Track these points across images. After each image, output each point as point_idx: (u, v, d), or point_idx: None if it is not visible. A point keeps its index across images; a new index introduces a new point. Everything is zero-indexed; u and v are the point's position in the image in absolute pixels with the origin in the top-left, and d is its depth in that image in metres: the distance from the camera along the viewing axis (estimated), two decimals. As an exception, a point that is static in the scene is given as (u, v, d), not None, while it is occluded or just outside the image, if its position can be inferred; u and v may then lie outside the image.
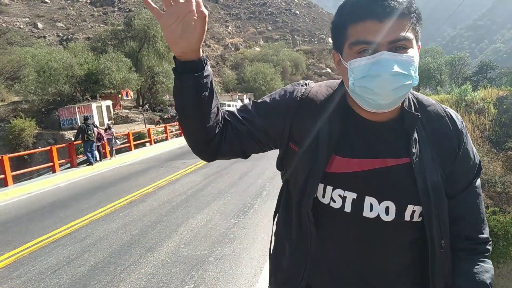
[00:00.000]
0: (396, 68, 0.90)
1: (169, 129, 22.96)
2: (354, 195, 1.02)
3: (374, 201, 1.01)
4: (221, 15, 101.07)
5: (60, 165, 13.91)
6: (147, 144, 20.38)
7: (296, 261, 1.11)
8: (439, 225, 1.03)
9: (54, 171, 13.08)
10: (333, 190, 1.03)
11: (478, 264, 1.07)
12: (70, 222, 6.55)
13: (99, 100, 31.92)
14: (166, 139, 22.00)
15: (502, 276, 13.11)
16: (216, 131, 1.06)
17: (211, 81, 1.00)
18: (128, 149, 18.31)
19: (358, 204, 1.02)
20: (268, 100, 1.13)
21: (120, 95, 34.90)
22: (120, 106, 36.21)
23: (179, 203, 7.16)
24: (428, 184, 1.00)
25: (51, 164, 13.22)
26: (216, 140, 1.07)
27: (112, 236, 5.58)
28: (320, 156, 1.02)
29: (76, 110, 27.98)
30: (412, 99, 1.08)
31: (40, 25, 68.23)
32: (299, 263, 1.10)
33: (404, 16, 0.92)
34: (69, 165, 14.65)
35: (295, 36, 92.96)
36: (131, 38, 36.62)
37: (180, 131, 24.41)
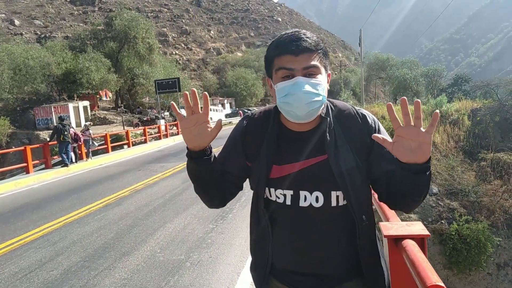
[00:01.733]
0: (307, 88, 1.24)
1: (148, 132, 22.67)
2: (291, 192, 1.35)
3: (306, 193, 1.33)
4: (203, 19, 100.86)
5: (34, 165, 13.54)
6: (125, 146, 20.09)
7: (261, 248, 1.45)
8: (358, 204, 1.32)
9: (27, 172, 12.72)
10: (275, 190, 1.37)
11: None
12: (43, 225, 6.38)
13: (76, 100, 31.31)
14: (145, 141, 21.72)
15: (474, 283, 13.44)
16: (223, 189, 1.43)
17: (214, 156, 1.34)
18: (105, 151, 17.99)
19: (295, 198, 1.34)
20: (228, 140, 1.49)
21: (98, 96, 34.34)
22: (98, 107, 35.61)
23: (156, 207, 7.08)
24: (343, 170, 1.29)
25: (25, 164, 12.85)
26: (225, 196, 1.46)
27: (86, 240, 5.46)
28: (263, 168, 1.36)
29: (52, 110, 27.37)
30: (330, 107, 1.40)
31: (17, 22, 66.58)
32: (263, 249, 1.44)
33: (312, 52, 1.27)
34: (43, 166, 14.28)
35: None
36: (111, 39, 36.08)
37: (159, 134, 24.19)
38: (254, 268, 1.52)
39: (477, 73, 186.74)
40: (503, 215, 13.88)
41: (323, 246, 1.35)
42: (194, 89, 1.28)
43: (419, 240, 1.65)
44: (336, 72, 64.52)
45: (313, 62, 1.27)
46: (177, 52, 79.25)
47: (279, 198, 1.37)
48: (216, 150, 1.35)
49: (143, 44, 35.49)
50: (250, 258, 1.57)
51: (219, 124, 1.26)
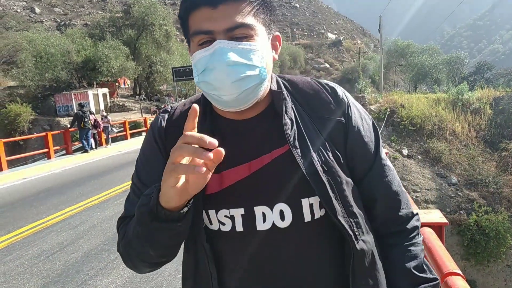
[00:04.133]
0: (233, 57, 0.80)
1: (166, 119, 22.87)
2: (242, 210, 0.88)
3: (265, 209, 0.87)
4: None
5: (55, 151, 13.88)
6: (143, 133, 20.35)
7: None
8: (345, 210, 0.88)
9: (49, 158, 13.05)
10: (216, 212, 0.89)
11: (408, 250, 0.95)
12: (64, 209, 6.55)
13: (96, 87, 31.74)
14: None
15: (492, 275, 13.29)
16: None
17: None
18: (124, 137, 18.27)
19: (248, 219, 0.88)
20: (141, 156, 1.02)
21: (117, 84, 34.72)
22: (117, 94, 36.05)
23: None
24: (317, 166, 0.86)
25: (46, 150, 13.18)
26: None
27: (105, 224, 5.60)
28: None
29: (73, 97, 27.80)
30: (282, 83, 0.97)
31: (37, 10, 67.50)
32: None
33: (240, 1, 0.82)
34: (64, 151, 14.61)
35: (294, 30, 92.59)
36: (129, 26, 36.27)
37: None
38: None
39: (501, 61, 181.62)
40: (524, 206, 13.64)
41: (300, 284, 0.89)
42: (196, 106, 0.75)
43: (437, 228, 1.60)
44: (354, 60, 63.51)
45: (242, 18, 0.82)
46: (194, 39, 79.25)
47: (223, 224, 0.89)
48: None
49: (160, 31, 35.56)
50: None
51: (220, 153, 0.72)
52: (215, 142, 0.70)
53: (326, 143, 0.91)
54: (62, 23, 63.55)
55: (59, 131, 16.06)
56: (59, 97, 28.42)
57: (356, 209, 0.91)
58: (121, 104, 33.11)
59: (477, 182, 15.62)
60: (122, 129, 19.06)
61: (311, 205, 0.88)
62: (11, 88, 30.68)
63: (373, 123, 1.00)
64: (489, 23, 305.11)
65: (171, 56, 36.96)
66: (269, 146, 0.89)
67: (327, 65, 69.99)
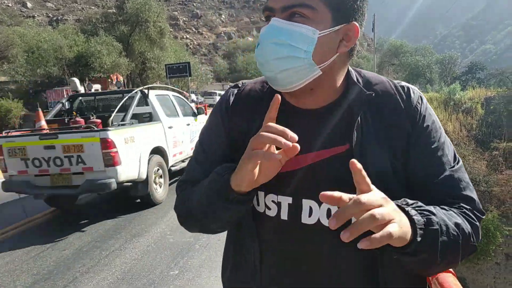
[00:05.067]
0: (277, 36, 0.81)
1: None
2: (290, 200, 0.89)
3: (313, 203, 0.87)
4: (214, 2, 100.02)
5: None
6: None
7: (243, 280, 0.98)
8: None
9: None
10: (265, 195, 0.91)
11: (446, 210, 0.83)
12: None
13: (88, 83, 31.53)
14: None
15: (482, 272, 13.44)
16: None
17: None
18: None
19: (295, 210, 0.88)
20: (208, 123, 1.05)
21: (109, 80, 34.51)
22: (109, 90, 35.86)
23: (168, 190, 7.16)
24: (371, 172, 0.79)
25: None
26: None
27: (98, 220, 5.57)
28: None
29: (65, 93, 27.55)
30: (357, 77, 0.94)
31: (29, 4, 66.76)
32: (245, 281, 0.97)
33: None
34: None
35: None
36: (122, 22, 36.03)
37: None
38: None
39: (492, 61, 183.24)
40: (514, 205, 13.79)
41: (336, 282, 0.89)
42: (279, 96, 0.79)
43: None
44: (348, 58, 63.53)
45: None
46: (187, 36, 78.98)
47: (269, 209, 0.91)
48: None
49: (154, 28, 35.38)
50: None
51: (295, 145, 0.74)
52: (295, 136, 0.73)
53: (388, 151, 0.86)
54: (54, 18, 62.95)
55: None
56: (51, 93, 28.16)
57: None
58: (113, 100, 32.91)
59: (468, 181, 15.79)
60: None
61: None
62: (2, 83, 30.38)
63: (446, 138, 0.94)
64: (482, 23, 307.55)
65: (164, 52, 36.83)
66: (330, 142, 0.88)
67: (321, 64, 70.01)
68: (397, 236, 0.67)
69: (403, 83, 0.95)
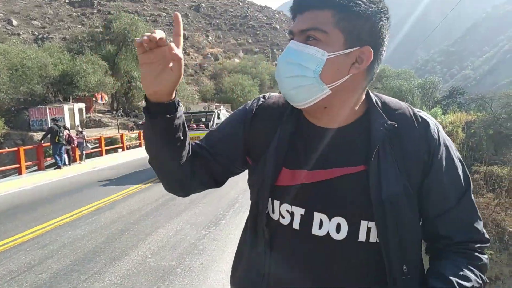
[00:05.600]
0: (291, 57, 0.90)
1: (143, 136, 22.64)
2: (302, 211, 0.95)
3: (323, 217, 0.93)
4: (202, 24, 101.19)
5: (27, 167, 13.47)
6: (120, 150, 20.02)
7: (252, 283, 1.04)
8: (400, 247, 0.90)
9: (20, 173, 12.65)
10: (280, 204, 0.98)
11: (461, 268, 0.91)
12: (33, 227, 6.32)
13: (72, 102, 31.21)
14: (140, 145, 21.66)
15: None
16: (189, 168, 1.03)
17: (183, 121, 0.98)
18: (99, 154, 17.93)
19: (306, 221, 0.95)
20: (229, 117, 1.13)
21: (94, 98, 34.27)
22: (93, 109, 35.52)
23: (149, 211, 7.03)
24: (384, 195, 0.88)
25: (18, 165, 12.78)
26: (189, 177, 1.04)
27: (76, 243, 5.42)
28: (269, 168, 0.97)
29: (47, 111, 27.26)
30: (376, 101, 0.99)
31: (14, 22, 66.45)
32: (253, 282, 1.03)
33: (318, 8, 0.88)
34: (36, 167, 14.20)
35: (275, 50, 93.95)
36: (109, 41, 36.14)
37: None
38: None
39: (472, 86, 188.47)
40: (495, 228, 13.94)
41: None
42: (178, 13, 0.89)
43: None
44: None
45: (315, 23, 0.88)
46: (174, 56, 79.28)
47: (283, 217, 0.97)
48: None
49: (141, 47, 35.51)
50: None
51: (176, 54, 0.86)
52: (155, 35, 0.83)
53: (402, 177, 0.91)
54: (40, 36, 62.69)
55: (32, 146, 15.64)
56: (33, 111, 27.81)
57: (412, 247, 0.94)
58: (97, 119, 32.62)
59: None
60: (98, 145, 18.71)
61: (368, 229, 0.92)
62: (-17, 100, 29.81)
63: (463, 166, 1.00)
64: (461, 49, 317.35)
65: (150, 72, 36.91)
66: (346, 161, 0.93)
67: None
68: None
69: (422, 113, 0.99)
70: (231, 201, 7.58)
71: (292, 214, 0.96)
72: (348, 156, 0.94)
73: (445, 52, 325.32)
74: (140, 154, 18.51)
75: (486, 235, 0.97)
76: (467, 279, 0.89)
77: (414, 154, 0.93)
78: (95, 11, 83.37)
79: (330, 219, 0.92)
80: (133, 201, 7.91)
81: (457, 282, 0.87)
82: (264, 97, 1.11)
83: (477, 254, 0.94)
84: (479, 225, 0.97)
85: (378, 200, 0.89)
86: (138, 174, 11.86)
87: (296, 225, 0.96)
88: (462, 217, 0.96)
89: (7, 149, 17.54)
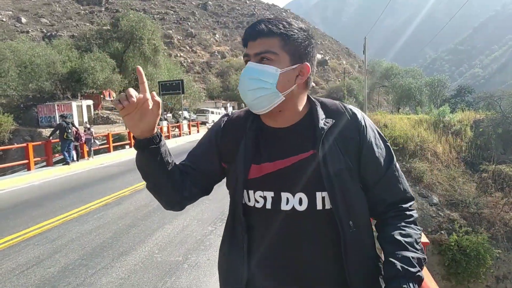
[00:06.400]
0: (251, 73, 1.15)
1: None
2: (272, 194, 1.19)
3: (289, 195, 1.18)
4: (209, 22, 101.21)
5: (36, 163, 13.58)
6: (127, 146, 20.11)
7: (234, 263, 1.27)
8: (346, 208, 1.16)
9: (29, 169, 12.74)
10: (254, 192, 1.22)
11: (402, 229, 1.19)
12: (42, 222, 6.39)
13: (80, 99, 31.40)
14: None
15: (471, 295, 13.34)
16: (181, 186, 1.27)
17: (167, 148, 1.24)
18: (107, 150, 18.02)
19: (276, 201, 1.19)
20: (204, 136, 1.39)
21: (102, 96, 34.43)
22: (101, 106, 35.71)
23: (156, 207, 7.07)
24: (331, 170, 1.15)
25: (27, 161, 12.88)
26: (182, 192, 1.28)
27: (84, 238, 5.47)
28: (240, 167, 1.23)
29: (56, 108, 27.42)
30: (316, 102, 1.27)
31: (23, 20, 66.92)
32: (236, 265, 1.26)
33: (268, 36, 1.15)
34: (44, 163, 14.31)
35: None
36: (117, 39, 36.19)
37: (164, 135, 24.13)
38: (222, 285, 1.36)
39: (481, 85, 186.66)
40: (503, 227, 13.81)
41: (308, 258, 1.18)
42: (139, 66, 1.17)
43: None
44: (339, 79, 64.44)
45: (268, 47, 1.14)
46: (181, 54, 79.49)
47: (258, 202, 1.21)
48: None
49: (148, 45, 35.57)
50: None
51: (156, 100, 1.13)
52: (133, 97, 1.09)
53: (342, 155, 1.18)
54: (49, 33, 63.04)
55: (40, 142, 15.73)
56: (42, 108, 28.00)
57: (357, 208, 1.20)
58: (105, 116, 32.76)
59: (458, 202, 15.81)
60: (105, 141, 18.81)
61: (323, 198, 1.17)
62: (-8, 97, 30.08)
63: (385, 143, 1.28)
64: (470, 48, 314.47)
65: (158, 70, 36.93)
66: (298, 150, 1.20)
67: (313, 84, 70.59)
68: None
69: (351, 106, 1.28)
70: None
71: (265, 198, 1.20)
72: (300, 145, 1.20)
73: (453, 50, 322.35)
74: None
75: (410, 193, 1.28)
76: (409, 236, 1.17)
77: (349, 137, 1.21)
78: (103, 9, 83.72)
79: (294, 196, 1.18)
80: (140, 197, 7.96)
81: (404, 241, 1.16)
82: (227, 115, 1.37)
83: (407, 212, 1.24)
84: (403, 186, 1.26)
85: (327, 174, 1.15)
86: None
87: (268, 205, 1.20)
88: (391, 181, 1.25)
89: (16, 145, 17.69)
